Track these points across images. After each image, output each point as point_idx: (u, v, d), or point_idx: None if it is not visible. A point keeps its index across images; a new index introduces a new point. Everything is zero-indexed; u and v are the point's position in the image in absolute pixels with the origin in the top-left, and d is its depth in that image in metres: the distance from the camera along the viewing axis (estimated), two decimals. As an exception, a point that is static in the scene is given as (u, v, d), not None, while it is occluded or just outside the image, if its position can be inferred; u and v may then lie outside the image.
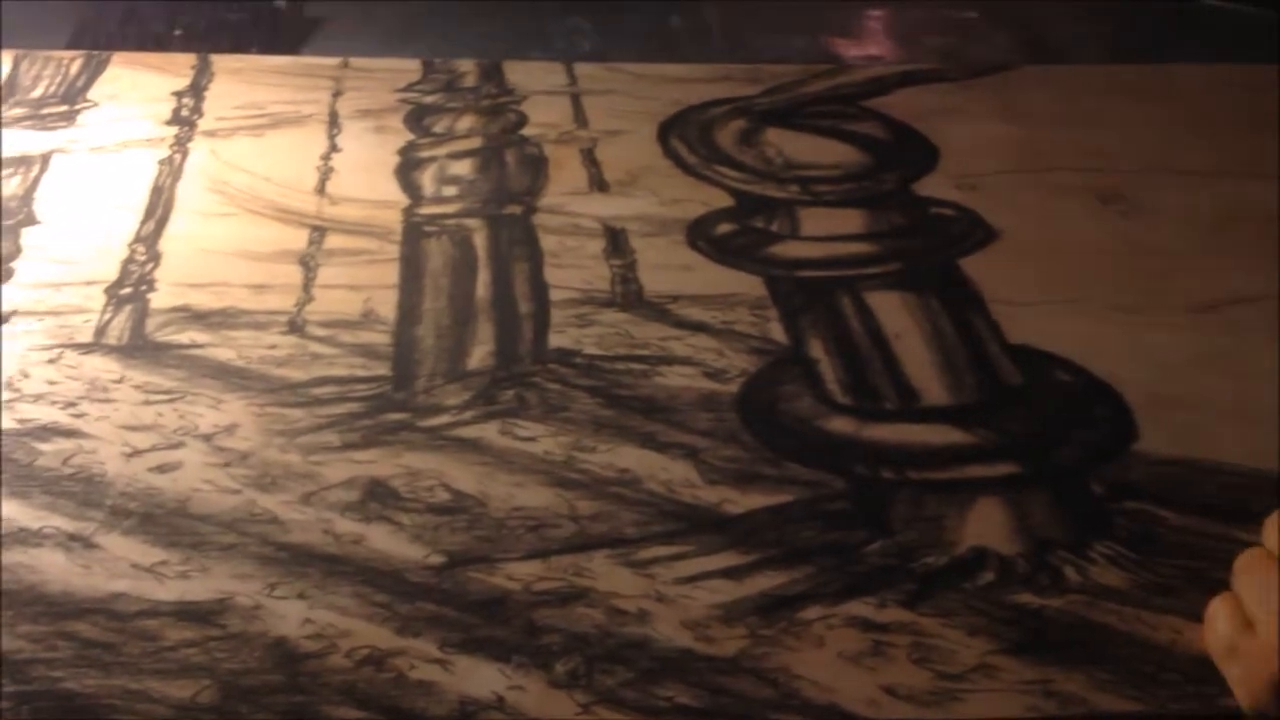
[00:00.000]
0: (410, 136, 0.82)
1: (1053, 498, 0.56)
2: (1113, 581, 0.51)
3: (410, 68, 0.91)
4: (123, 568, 0.51)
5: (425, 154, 0.80)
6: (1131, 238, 0.73)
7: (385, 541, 0.52)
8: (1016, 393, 0.62)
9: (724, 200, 0.77)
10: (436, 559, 0.52)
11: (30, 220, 0.73)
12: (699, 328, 0.66)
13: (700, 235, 0.73)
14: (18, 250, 0.70)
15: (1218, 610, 0.48)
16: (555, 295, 0.68)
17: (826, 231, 0.74)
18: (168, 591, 0.50)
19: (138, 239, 0.71)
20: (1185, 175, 0.78)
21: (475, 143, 0.82)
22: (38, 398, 0.59)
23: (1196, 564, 0.52)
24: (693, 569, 0.52)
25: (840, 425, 0.60)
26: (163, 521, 0.53)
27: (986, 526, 0.54)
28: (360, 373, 0.62)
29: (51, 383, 0.60)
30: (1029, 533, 0.54)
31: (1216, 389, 0.61)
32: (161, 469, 0.56)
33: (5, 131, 0.81)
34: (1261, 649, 0.45)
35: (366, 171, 0.78)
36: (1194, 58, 0.98)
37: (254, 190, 0.76)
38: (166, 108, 0.84)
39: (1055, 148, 0.82)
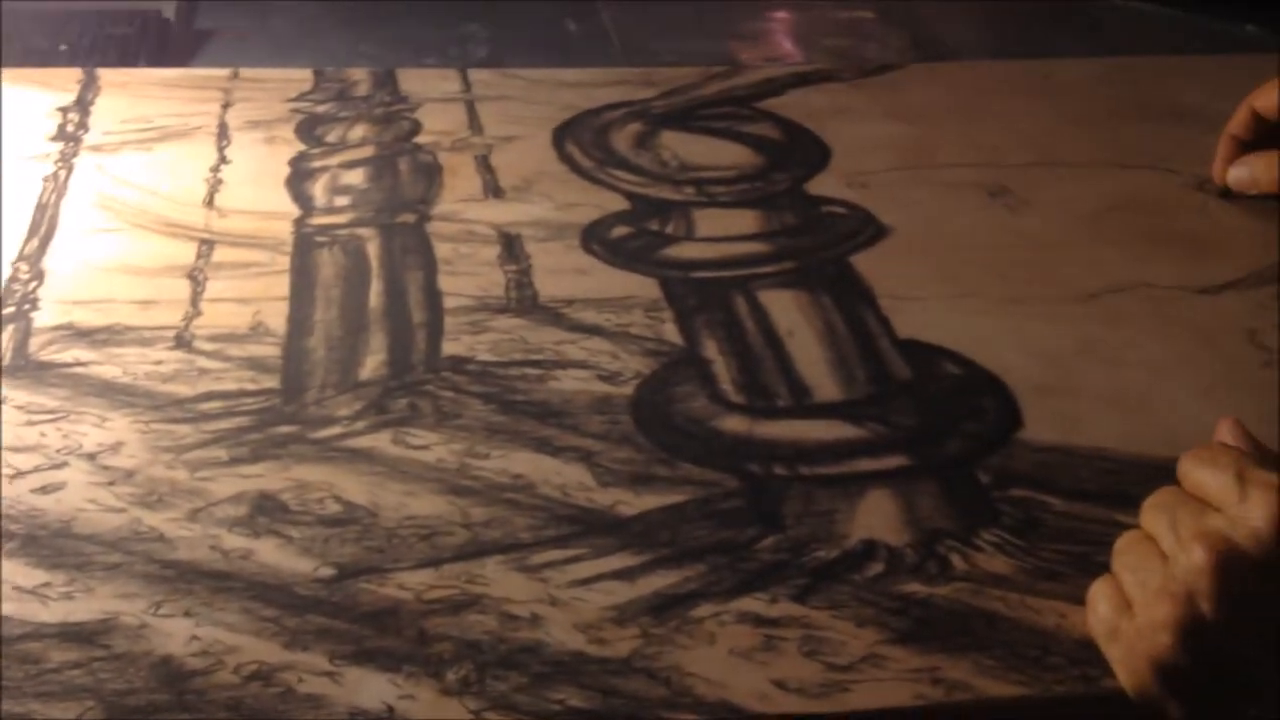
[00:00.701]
0: (302, 147, 0.81)
1: (941, 488, 0.57)
2: (999, 568, 0.52)
3: (302, 77, 0.90)
4: (5, 591, 0.50)
5: (317, 164, 0.80)
6: (1018, 230, 0.75)
7: (274, 555, 0.52)
8: (906, 386, 0.63)
9: (619, 204, 0.77)
10: (326, 571, 0.51)
11: (-92, 240, 0.71)
12: (594, 331, 0.66)
13: (595, 239, 0.74)
14: (-106, 271, 0.68)
15: (1098, 593, 0.49)
16: (449, 303, 0.68)
17: (721, 232, 0.75)
18: (51, 613, 0.49)
19: (21, 257, 0.70)
20: (1068, 167, 0.80)
21: (368, 152, 0.81)
22: (-85, 422, 0.58)
23: (1079, 548, 0.53)
24: (586, 572, 0.52)
25: (733, 424, 0.60)
26: (46, 543, 0.52)
27: (876, 519, 0.55)
28: (249, 386, 0.61)
29: (-71, 406, 0.59)
30: (917, 523, 0.55)
31: (1096, 377, 0.63)
32: (45, 490, 0.55)
33: (-119, 150, 0.79)
34: (1139, 629, 0.46)
35: (256, 183, 0.77)
36: (1078, 52, 1.00)
37: (141, 205, 0.75)
38: (51, 124, 0.82)
39: (944, 144, 0.83)
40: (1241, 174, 0.76)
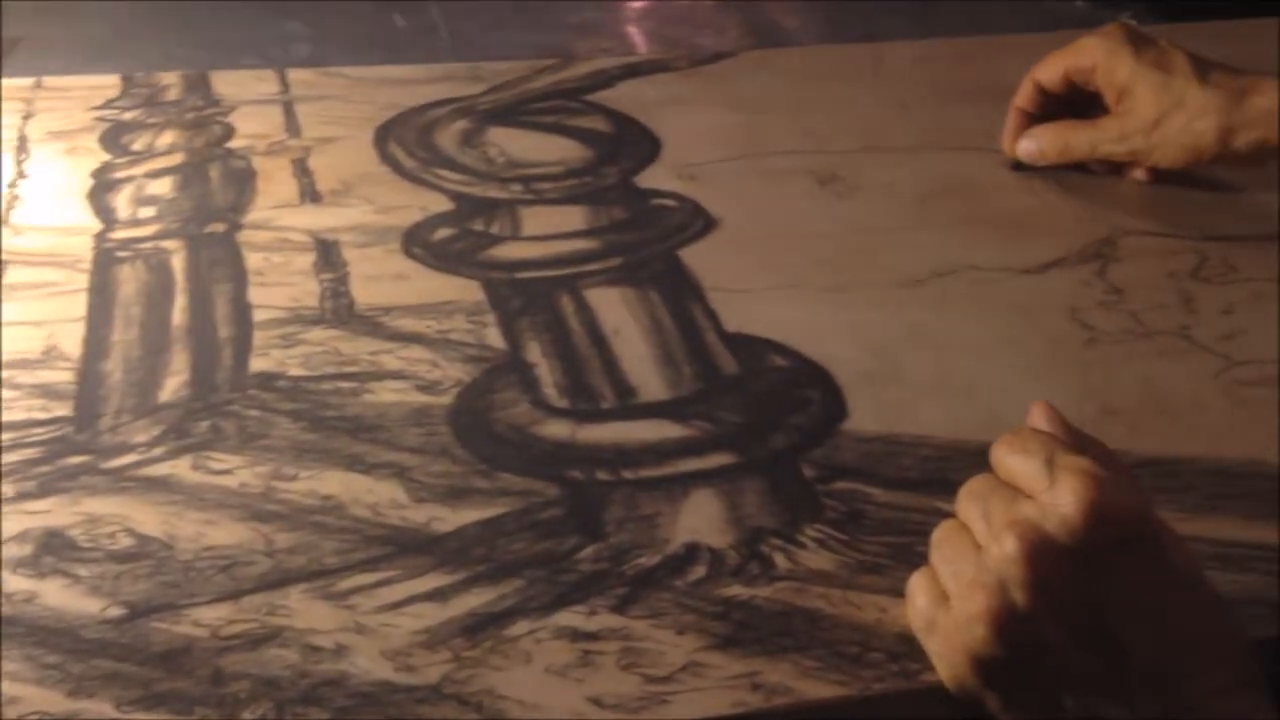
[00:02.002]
0: (106, 157, 0.77)
1: (766, 485, 0.55)
2: (821, 564, 0.51)
3: (109, 84, 0.86)
4: None
5: (121, 174, 0.76)
6: (846, 218, 0.74)
7: (59, 597, 0.48)
8: (732, 381, 0.62)
9: (444, 204, 0.75)
10: (116, 611, 0.48)
11: None
12: (413, 339, 0.64)
13: (417, 242, 0.71)
14: None
15: (916, 585, 0.48)
16: (259, 316, 0.65)
17: (547, 230, 0.73)
18: None
19: None
20: (894, 152, 0.80)
21: (176, 159, 0.77)
22: None
23: (902, 539, 0.52)
24: (396, 595, 0.49)
25: (556, 429, 0.58)
26: None
27: (700, 520, 0.53)
28: (39, 415, 0.57)
29: None
30: (741, 523, 0.53)
31: (922, 363, 0.62)
32: None
33: None
34: (955, 622, 0.45)
35: (55, 198, 0.73)
36: (912, 34, 1.00)
37: (-71, 225, 0.70)
38: None
39: (774, 132, 0.83)
40: (1029, 146, 0.77)
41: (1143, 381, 0.61)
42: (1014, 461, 0.47)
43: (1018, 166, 0.78)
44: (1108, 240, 0.72)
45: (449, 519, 0.53)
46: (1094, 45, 0.75)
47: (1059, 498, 0.44)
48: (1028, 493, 0.46)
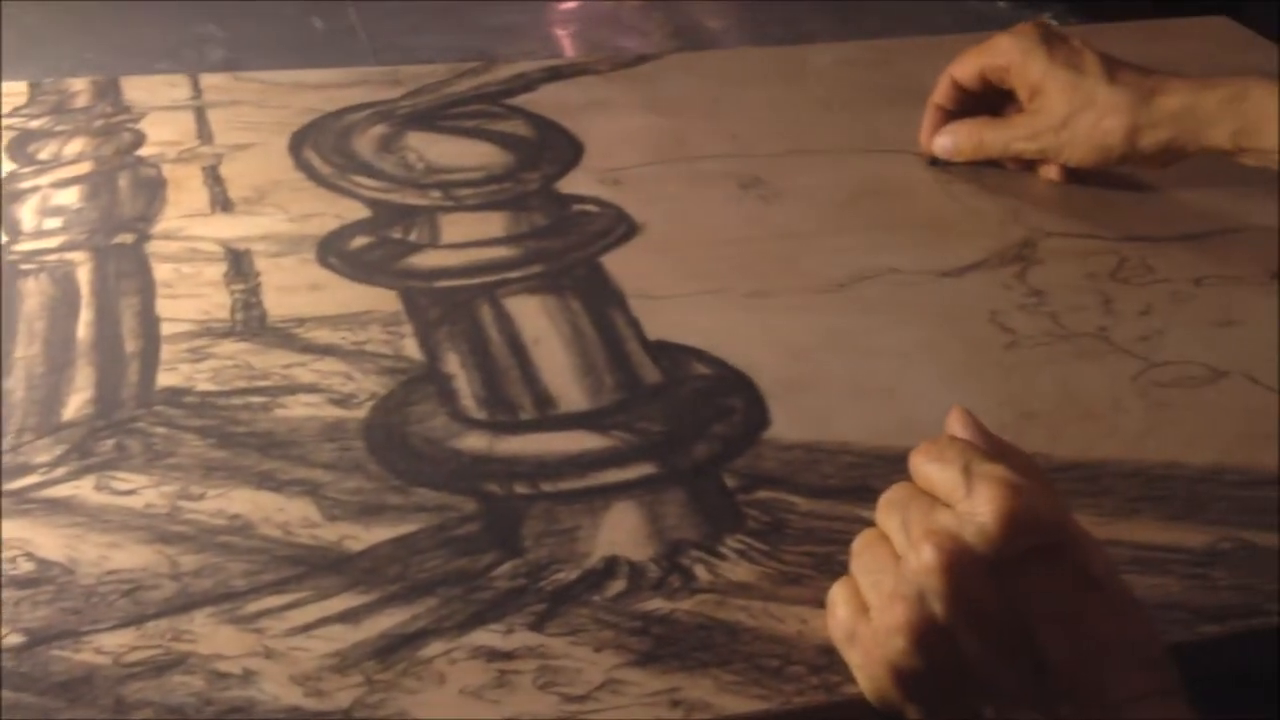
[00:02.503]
0: (12, 166, 0.75)
1: (687, 496, 0.55)
2: (742, 576, 0.51)
3: (16, 91, 0.83)
4: None
5: (26, 184, 0.73)
6: (769, 222, 0.74)
7: (-47, 628, 0.47)
8: (654, 390, 0.61)
9: (361, 212, 0.73)
10: (14, 639, 0.46)
11: None
12: (327, 351, 0.62)
13: (332, 251, 0.70)
14: None
15: (837, 596, 0.47)
16: (167, 329, 0.63)
17: (467, 238, 0.72)
18: None
19: None
20: (819, 154, 0.80)
21: (84, 168, 0.75)
22: None
23: (823, 549, 0.52)
24: (306, 617, 0.48)
25: (473, 442, 0.57)
26: None
27: (620, 533, 0.53)
28: (-65, 437, 0.55)
29: None
30: (662, 535, 0.53)
31: (844, 368, 0.62)
32: None
33: None
34: (875, 634, 0.45)
35: (-45, 209, 0.71)
36: (837, 36, 1.00)
37: None
38: None
39: (698, 136, 0.82)
40: (945, 142, 0.77)
41: (1062, 384, 0.61)
42: (932, 470, 0.46)
43: (934, 162, 0.78)
44: (1028, 242, 0.72)
45: (362, 537, 0.52)
46: (1008, 44, 0.75)
47: (976, 507, 0.44)
48: (946, 501, 0.45)
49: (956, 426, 0.49)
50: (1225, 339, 0.65)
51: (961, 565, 0.43)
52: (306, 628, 0.48)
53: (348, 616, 0.48)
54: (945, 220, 0.74)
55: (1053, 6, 1.09)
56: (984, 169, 0.78)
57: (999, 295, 0.67)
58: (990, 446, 0.47)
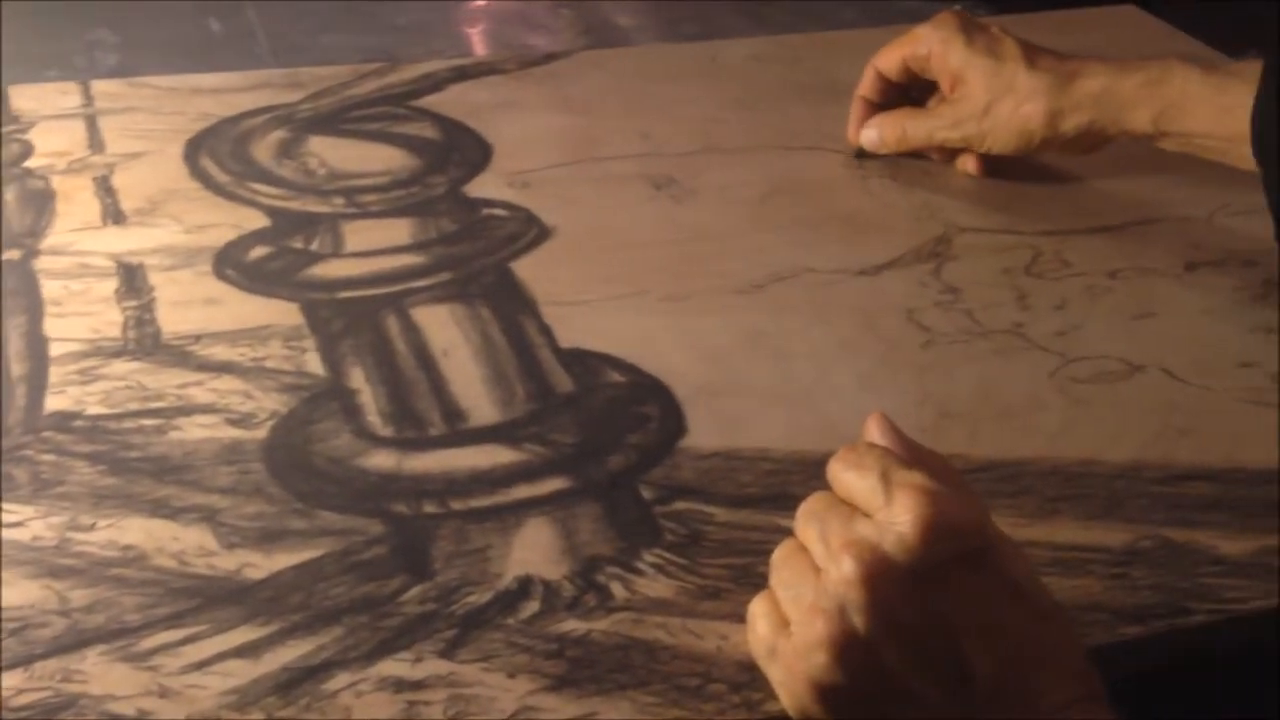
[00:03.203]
0: (-113, 181, 0.72)
1: (603, 509, 0.53)
2: (660, 592, 0.49)
3: (-107, 101, 0.79)
4: None
5: (-97, 200, 0.70)
6: (683, 223, 0.72)
7: None
8: (567, 400, 0.59)
9: (260, 221, 0.71)
10: (-113, 690, 0.44)
11: None
12: (224, 369, 0.60)
13: (230, 263, 0.67)
14: None
15: (757, 610, 0.46)
16: (56, 350, 0.60)
17: (371, 246, 0.69)
18: None
19: None
20: (732, 153, 0.78)
21: (-34, 182, 0.72)
22: None
23: (742, 560, 0.51)
24: (203, 653, 0.46)
25: (380, 460, 0.55)
26: None
27: (533, 552, 0.51)
28: None
29: None
30: (577, 551, 0.51)
31: (761, 372, 0.61)
32: None
33: None
34: (795, 648, 0.44)
35: None
36: (749, 31, 0.99)
37: None
38: None
39: (609, 135, 0.80)
40: (870, 135, 0.77)
41: (980, 382, 0.60)
42: (850, 479, 0.45)
43: (860, 155, 0.77)
44: (943, 238, 0.71)
45: (262, 565, 0.49)
46: (928, 33, 0.75)
47: (895, 516, 0.43)
48: (865, 510, 0.44)
49: (875, 433, 0.47)
50: (1141, 332, 0.65)
51: (882, 576, 0.42)
52: (203, 664, 0.45)
53: (247, 650, 0.46)
54: (861, 217, 0.73)
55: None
56: (901, 163, 0.77)
57: (915, 293, 0.67)
58: (908, 453, 0.46)
